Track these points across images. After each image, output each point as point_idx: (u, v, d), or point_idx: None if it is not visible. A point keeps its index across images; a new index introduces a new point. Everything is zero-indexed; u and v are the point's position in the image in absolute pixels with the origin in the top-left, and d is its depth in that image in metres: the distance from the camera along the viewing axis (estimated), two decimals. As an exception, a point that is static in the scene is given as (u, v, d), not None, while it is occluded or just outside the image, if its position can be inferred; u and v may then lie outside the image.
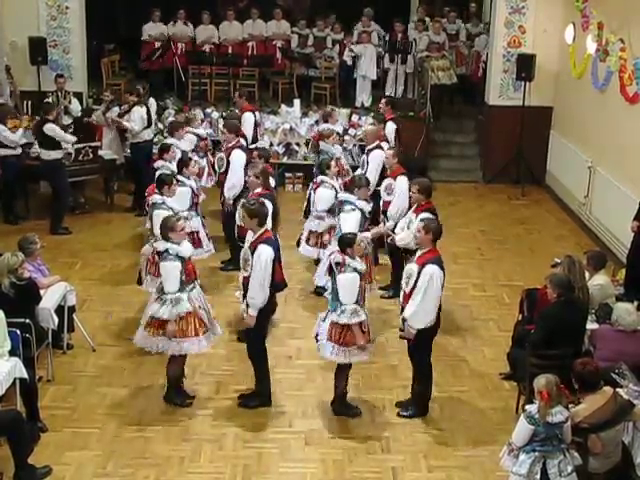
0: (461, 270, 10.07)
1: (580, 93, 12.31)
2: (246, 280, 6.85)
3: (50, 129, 10.82)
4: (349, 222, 8.39)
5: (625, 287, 8.27)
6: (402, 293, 6.95)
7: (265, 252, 6.76)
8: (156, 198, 8.33)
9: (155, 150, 10.91)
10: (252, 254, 6.77)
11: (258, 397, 7.20)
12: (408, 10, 16.55)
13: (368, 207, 8.64)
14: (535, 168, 13.50)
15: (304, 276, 9.69)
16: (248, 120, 11.32)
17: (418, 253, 6.85)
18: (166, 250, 6.82)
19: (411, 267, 6.77)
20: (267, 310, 7.05)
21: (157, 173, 9.06)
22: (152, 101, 12.29)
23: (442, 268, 6.71)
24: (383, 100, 11.88)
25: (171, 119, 12.43)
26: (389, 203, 9.06)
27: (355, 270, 6.72)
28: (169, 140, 10.35)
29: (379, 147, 10.02)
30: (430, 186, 8.33)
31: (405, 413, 7.10)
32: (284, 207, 11.98)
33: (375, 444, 6.74)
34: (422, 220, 7.05)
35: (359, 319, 6.70)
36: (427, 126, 13.78)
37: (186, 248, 6.98)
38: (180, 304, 6.76)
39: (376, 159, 9.85)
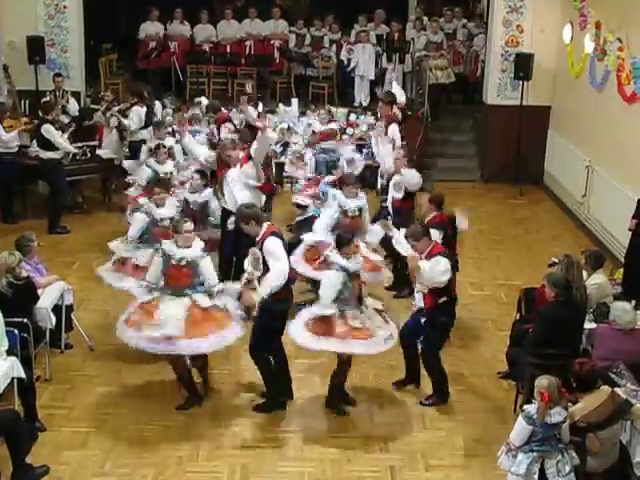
0: (459, 269, 10.05)
1: (578, 92, 12.32)
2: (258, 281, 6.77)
3: (47, 131, 10.81)
4: (322, 216, 8.52)
5: (623, 286, 8.27)
6: (420, 295, 7.15)
7: (273, 241, 6.76)
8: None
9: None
10: (261, 251, 6.74)
11: (268, 400, 7.15)
12: (406, 9, 16.56)
13: (351, 204, 8.56)
14: (533, 167, 13.51)
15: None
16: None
17: (423, 255, 6.97)
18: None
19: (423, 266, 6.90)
20: (279, 308, 6.84)
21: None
22: (157, 104, 12.28)
23: (449, 259, 6.91)
24: (381, 97, 11.94)
25: (169, 118, 12.42)
26: (399, 201, 9.10)
27: (342, 269, 6.78)
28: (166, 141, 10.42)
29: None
30: (441, 197, 8.33)
31: (427, 402, 7.25)
32: (282, 207, 12.03)
33: (373, 443, 6.74)
34: (406, 237, 7.12)
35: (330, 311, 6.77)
36: (425, 125, 13.79)
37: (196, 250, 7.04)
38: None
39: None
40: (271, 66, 15.35)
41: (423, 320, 7.15)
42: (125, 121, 11.61)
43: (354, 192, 8.63)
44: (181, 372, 7.11)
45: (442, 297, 6.96)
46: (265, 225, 6.93)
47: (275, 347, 7.09)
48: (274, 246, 6.75)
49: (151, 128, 11.66)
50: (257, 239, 6.89)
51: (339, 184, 8.87)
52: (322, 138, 11.07)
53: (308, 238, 8.47)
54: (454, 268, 8.09)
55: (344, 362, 7.00)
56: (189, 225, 6.99)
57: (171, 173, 9.66)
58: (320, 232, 8.38)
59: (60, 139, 10.98)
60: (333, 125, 11.52)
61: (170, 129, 11.63)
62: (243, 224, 6.98)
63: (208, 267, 6.95)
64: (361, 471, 6.41)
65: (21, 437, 6.13)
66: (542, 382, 5.54)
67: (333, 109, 13.63)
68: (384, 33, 14.96)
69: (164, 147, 9.88)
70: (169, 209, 8.22)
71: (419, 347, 7.35)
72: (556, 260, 7.75)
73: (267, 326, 6.89)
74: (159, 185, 8.43)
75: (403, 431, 6.91)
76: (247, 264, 6.70)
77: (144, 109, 11.67)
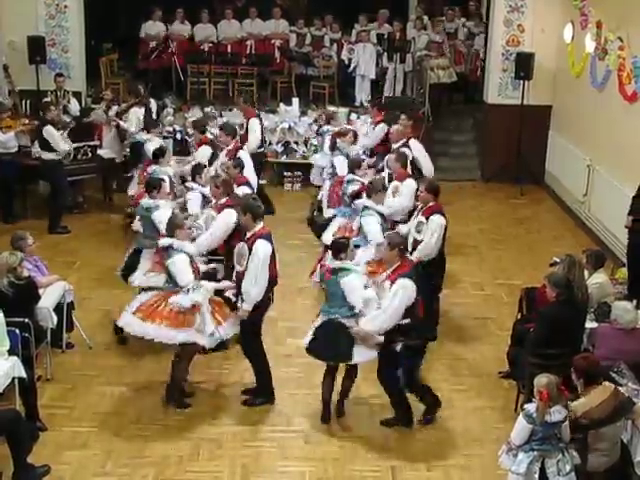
0: (459, 269, 10.07)
1: (579, 92, 12.31)
2: (240, 275, 6.87)
3: (48, 133, 10.82)
4: (372, 225, 8.32)
5: (629, 287, 8.24)
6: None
7: (263, 247, 6.79)
8: (148, 202, 8.21)
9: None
10: (249, 249, 6.78)
11: (261, 395, 7.21)
12: (406, 9, 16.55)
13: (387, 210, 8.52)
14: (534, 167, 13.50)
15: (302, 275, 9.67)
16: (254, 126, 11.35)
17: (388, 270, 6.76)
18: (170, 246, 6.86)
19: (385, 286, 6.69)
20: (262, 307, 7.02)
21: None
22: (152, 102, 12.28)
23: (415, 281, 6.59)
24: (368, 104, 12.01)
25: (169, 118, 12.42)
26: None
27: (355, 272, 6.78)
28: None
29: (406, 145, 10.10)
30: (437, 186, 8.27)
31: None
32: (282, 206, 12.04)
33: (374, 443, 6.73)
34: (386, 237, 7.02)
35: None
36: (426, 125, 13.78)
37: (190, 246, 7.03)
38: (199, 290, 6.78)
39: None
40: (272, 66, 15.34)
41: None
42: (123, 124, 11.62)
43: (382, 198, 8.57)
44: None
45: (404, 319, 6.57)
46: (260, 224, 6.93)
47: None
48: (264, 252, 6.79)
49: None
50: (247, 235, 6.91)
51: (366, 192, 8.69)
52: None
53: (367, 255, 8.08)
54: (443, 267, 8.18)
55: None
56: (189, 222, 7.13)
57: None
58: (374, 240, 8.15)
59: (60, 142, 10.94)
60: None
61: (170, 128, 11.64)
62: (241, 213, 7.00)
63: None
64: (362, 470, 6.40)
65: (22, 437, 6.13)
66: (541, 380, 5.54)
67: (333, 109, 13.65)
68: (386, 32, 14.93)
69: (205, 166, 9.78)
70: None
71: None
72: (557, 260, 7.73)
73: (251, 323, 6.99)
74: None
75: (404, 430, 6.90)
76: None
77: (142, 110, 11.67)
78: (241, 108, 12.15)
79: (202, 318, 6.81)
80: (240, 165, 9.31)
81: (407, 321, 6.58)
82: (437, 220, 7.99)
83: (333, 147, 10.78)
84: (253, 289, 6.79)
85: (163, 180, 8.66)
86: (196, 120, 11.48)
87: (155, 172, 9.27)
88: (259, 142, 11.35)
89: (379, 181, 8.88)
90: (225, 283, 7.14)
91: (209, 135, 10.79)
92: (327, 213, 9.85)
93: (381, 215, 8.43)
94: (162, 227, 7.73)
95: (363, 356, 6.74)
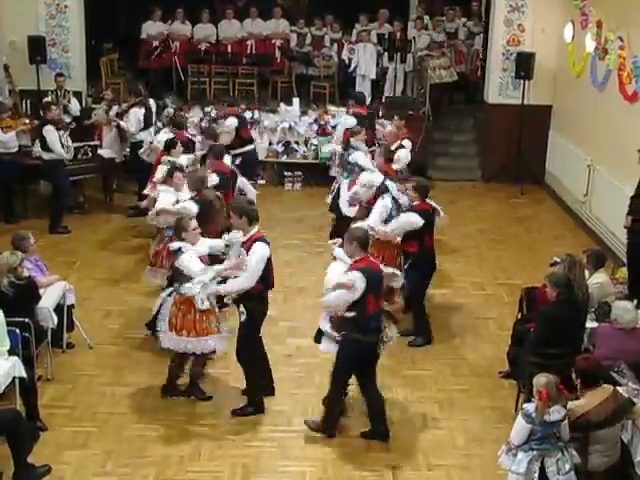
0: (460, 269, 10.09)
1: (579, 91, 12.32)
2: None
3: (48, 133, 10.82)
4: (376, 209, 8.37)
5: (629, 287, 8.24)
6: None
7: (262, 249, 6.77)
8: (160, 188, 8.65)
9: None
10: (247, 253, 6.75)
11: (251, 404, 7.14)
12: (407, 8, 16.55)
13: (404, 198, 8.48)
14: (534, 167, 13.50)
15: (302, 275, 9.68)
16: (230, 124, 11.30)
17: (349, 261, 6.74)
18: (179, 248, 6.89)
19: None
20: (261, 312, 6.98)
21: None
22: (152, 102, 12.29)
23: (367, 277, 6.47)
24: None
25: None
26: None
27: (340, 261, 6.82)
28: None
29: (401, 146, 10.10)
30: (425, 185, 8.28)
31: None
32: (282, 206, 12.06)
33: (374, 443, 6.73)
34: (348, 231, 6.99)
35: None
36: (426, 125, 13.79)
37: (200, 248, 7.03)
38: (208, 278, 6.76)
39: (401, 156, 9.96)
40: (272, 65, 15.34)
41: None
42: (124, 124, 11.62)
43: (404, 188, 8.54)
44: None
45: (351, 311, 6.52)
46: (256, 227, 6.89)
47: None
48: (262, 253, 6.76)
49: (152, 128, 11.71)
50: (244, 239, 6.85)
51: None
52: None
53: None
54: (431, 267, 8.24)
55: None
56: (195, 222, 7.09)
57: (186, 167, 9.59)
58: (373, 222, 8.17)
59: (57, 145, 10.90)
60: None
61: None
62: (235, 215, 6.91)
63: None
64: (362, 470, 6.41)
65: (22, 437, 6.13)
66: (540, 380, 5.54)
67: (333, 108, 13.68)
68: (387, 32, 14.92)
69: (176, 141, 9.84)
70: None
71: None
72: (558, 259, 7.73)
73: (251, 328, 6.95)
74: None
75: (404, 430, 6.91)
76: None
77: (142, 110, 11.67)
78: (221, 108, 12.22)
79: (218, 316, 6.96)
80: (216, 153, 9.35)
81: (353, 314, 6.52)
82: (408, 216, 8.04)
83: (347, 146, 10.72)
84: (241, 286, 6.74)
85: (177, 169, 8.76)
86: (172, 117, 11.70)
87: (168, 162, 9.37)
88: (229, 139, 11.08)
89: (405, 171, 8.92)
90: (233, 261, 6.87)
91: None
92: (347, 212, 9.80)
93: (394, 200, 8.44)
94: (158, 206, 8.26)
95: (326, 348, 6.87)
